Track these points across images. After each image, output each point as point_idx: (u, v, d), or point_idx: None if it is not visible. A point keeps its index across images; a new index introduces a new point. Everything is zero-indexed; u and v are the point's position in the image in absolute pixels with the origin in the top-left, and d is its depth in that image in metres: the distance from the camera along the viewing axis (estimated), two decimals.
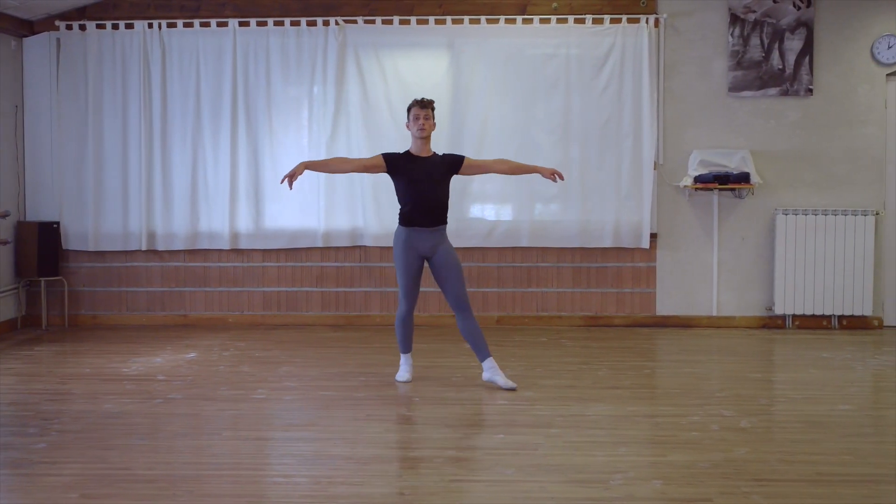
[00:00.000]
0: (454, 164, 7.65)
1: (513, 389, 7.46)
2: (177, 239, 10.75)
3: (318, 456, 5.87)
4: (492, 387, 7.59)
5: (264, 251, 10.81)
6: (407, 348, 7.89)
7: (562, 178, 7.81)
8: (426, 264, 7.86)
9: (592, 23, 10.46)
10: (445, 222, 7.63)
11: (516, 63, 10.56)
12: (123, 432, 6.39)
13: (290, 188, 7.62)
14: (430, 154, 7.62)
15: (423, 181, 7.47)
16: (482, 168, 7.80)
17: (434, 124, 7.61)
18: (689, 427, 6.48)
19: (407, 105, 7.64)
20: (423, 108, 7.51)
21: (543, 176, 7.78)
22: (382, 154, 7.60)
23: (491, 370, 7.57)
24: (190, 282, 10.87)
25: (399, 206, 7.63)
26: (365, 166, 7.65)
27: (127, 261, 10.87)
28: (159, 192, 10.72)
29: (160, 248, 10.77)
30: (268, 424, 6.75)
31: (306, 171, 10.67)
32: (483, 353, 7.59)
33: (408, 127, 7.62)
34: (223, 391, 7.60)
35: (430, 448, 6.01)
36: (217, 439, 6.28)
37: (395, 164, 7.53)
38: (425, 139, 7.55)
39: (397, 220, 7.66)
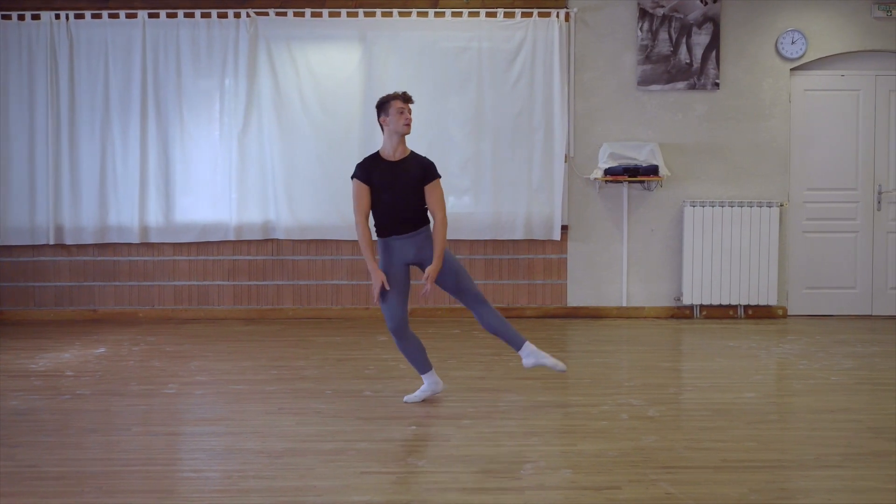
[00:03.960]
0: (428, 174, 6.82)
1: (563, 371, 7.02)
2: (85, 233, 10.61)
3: (229, 450, 5.84)
4: (400, 377, 7.62)
5: (175, 245, 10.71)
6: (422, 367, 6.99)
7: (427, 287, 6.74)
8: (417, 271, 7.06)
9: (504, 16, 10.53)
10: (427, 223, 6.88)
11: (429, 56, 10.59)
12: (31, 429, 6.30)
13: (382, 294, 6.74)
14: (405, 154, 6.84)
15: (396, 186, 6.73)
16: (429, 203, 6.83)
17: None
18: (598, 416, 6.57)
19: (377, 101, 6.85)
20: (406, 102, 6.79)
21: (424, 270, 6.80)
22: (356, 178, 6.76)
23: (533, 355, 6.88)
24: (99, 276, 10.73)
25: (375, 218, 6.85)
26: (366, 210, 6.78)
27: (34, 255, 10.69)
28: (67, 185, 10.56)
29: (68, 242, 10.62)
30: (179, 419, 6.70)
31: (217, 163, 10.69)
32: (517, 342, 6.88)
33: (384, 123, 6.79)
34: (133, 386, 7.52)
35: (341, 440, 6.01)
36: (127, 435, 6.22)
37: (369, 177, 6.75)
38: (404, 136, 6.80)
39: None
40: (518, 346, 6.90)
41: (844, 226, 10.85)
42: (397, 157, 6.82)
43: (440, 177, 6.91)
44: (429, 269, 6.73)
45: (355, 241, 10.61)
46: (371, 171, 6.78)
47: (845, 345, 9.22)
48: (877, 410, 6.77)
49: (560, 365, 6.92)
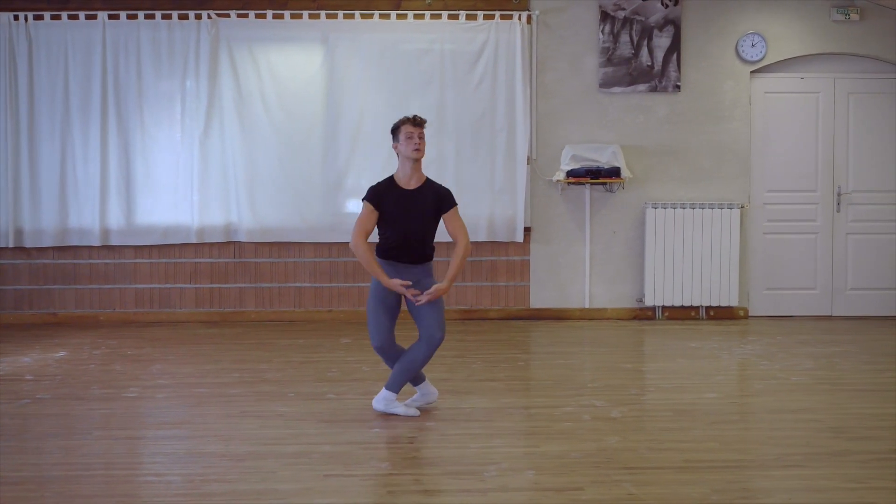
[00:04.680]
0: (445, 203, 6.62)
1: (416, 416, 6.62)
2: (45, 235, 10.51)
3: (191, 454, 5.81)
4: (362, 379, 7.61)
5: (136, 247, 10.63)
6: (415, 380, 6.77)
7: (421, 299, 6.51)
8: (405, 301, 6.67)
9: (466, 19, 10.53)
10: (431, 259, 6.70)
11: (391, 58, 10.58)
12: None
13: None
14: (421, 182, 6.60)
15: (409, 216, 6.52)
16: (451, 231, 6.68)
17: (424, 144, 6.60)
18: (561, 418, 6.59)
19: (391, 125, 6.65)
20: (416, 126, 6.50)
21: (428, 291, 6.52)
22: (367, 200, 6.54)
23: (385, 401, 6.63)
24: (59, 279, 10.64)
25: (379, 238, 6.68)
26: (367, 231, 6.54)
27: None
28: (27, 187, 10.46)
29: (28, 244, 10.51)
30: (140, 423, 6.66)
31: (179, 166, 10.58)
32: (394, 385, 6.59)
33: (396, 149, 6.60)
34: (94, 390, 7.47)
35: (304, 443, 6.00)
36: (88, 439, 6.17)
37: (379, 202, 6.51)
38: (419, 161, 6.56)
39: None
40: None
41: (804, 227, 10.93)
42: (413, 185, 6.59)
43: (457, 204, 6.72)
44: (437, 285, 6.52)
45: (317, 244, 10.60)
46: (383, 196, 6.55)
47: (806, 345, 9.30)
48: (837, 410, 6.83)
49: (413, 410, 6.64)
